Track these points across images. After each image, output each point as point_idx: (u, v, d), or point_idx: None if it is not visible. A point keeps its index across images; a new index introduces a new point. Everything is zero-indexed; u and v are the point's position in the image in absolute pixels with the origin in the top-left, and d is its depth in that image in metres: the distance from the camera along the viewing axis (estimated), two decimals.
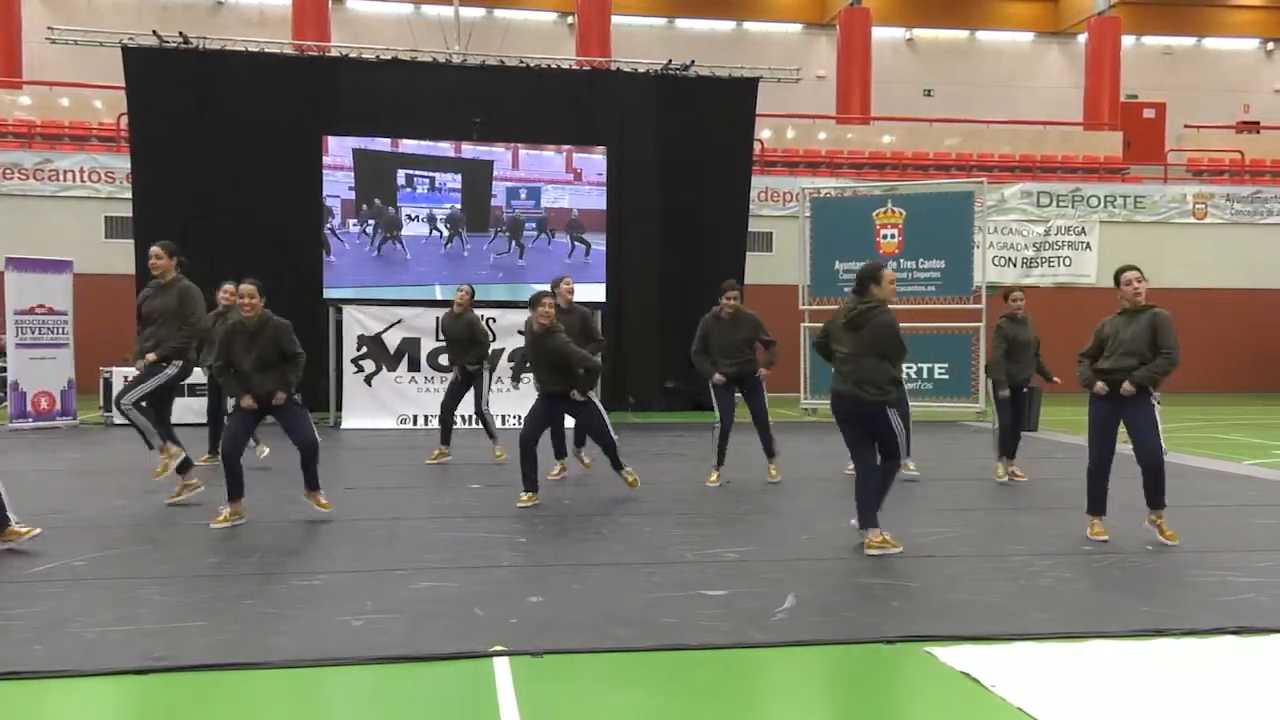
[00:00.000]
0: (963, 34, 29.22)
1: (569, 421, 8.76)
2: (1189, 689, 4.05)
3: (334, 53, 17.72)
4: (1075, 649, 4.51)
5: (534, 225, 15.21)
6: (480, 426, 10.85)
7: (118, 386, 13.90)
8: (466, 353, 10.30)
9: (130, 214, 16.08)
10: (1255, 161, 25.28)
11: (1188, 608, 5.19)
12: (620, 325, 16.39)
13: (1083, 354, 6.88)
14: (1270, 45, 30.00)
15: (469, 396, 10.51)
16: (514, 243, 15.17)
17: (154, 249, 8.24)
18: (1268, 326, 22.43)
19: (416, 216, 14.93)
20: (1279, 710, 3.86)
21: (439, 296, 14.79)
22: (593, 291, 15.11)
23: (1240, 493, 8.85)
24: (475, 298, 10.99)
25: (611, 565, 6.01)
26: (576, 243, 15.26)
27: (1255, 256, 22.78)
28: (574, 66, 18.45)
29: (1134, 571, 5.92)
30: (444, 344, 11.30)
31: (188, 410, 13.97)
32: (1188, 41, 29.75)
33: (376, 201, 14.74)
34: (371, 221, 14.71)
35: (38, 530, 6.41)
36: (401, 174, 14.89)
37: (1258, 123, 27.71)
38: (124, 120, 17.66)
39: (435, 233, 14.96)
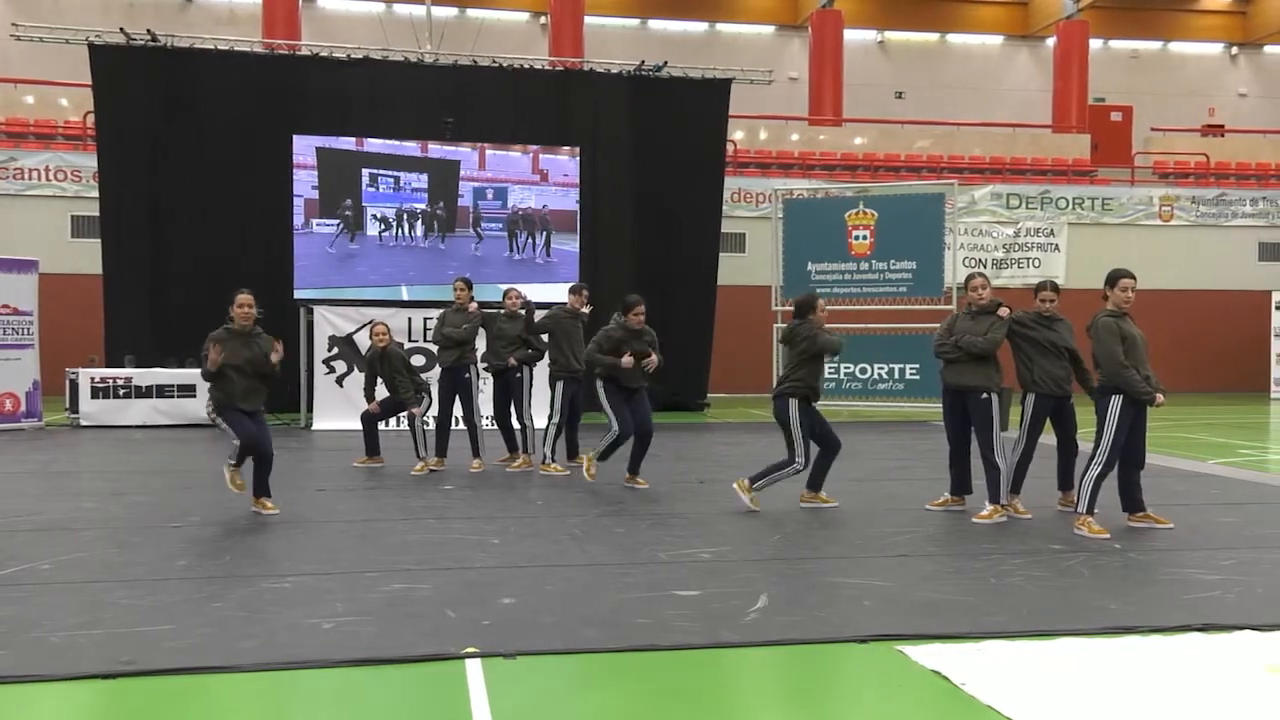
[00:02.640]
0: (933, 36, 29.43)
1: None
2: (1157, 686, 4.10)
3: (304, 51, 17.60)
4: (1044, 647, 4.55)
5: (500, 225, 15.23)
6: (497, 429, 10.37)
7: (84, 387, 13.77)
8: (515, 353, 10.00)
9: (97, 213, 15.91)
10: (1220, 164, 25.63)
11: (1155, 605, 5.25)
12: (594, 326, 16.42)
13: (1126, 364, 6.81)
14: (1235, 50, 30.41)
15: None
16: (513, 241, 15.19)
17: None
18: (1232, 327, 22.75)
19: (381, 216, 14.89)
20: (1244, 706, 3.91)
21: (405, 297, 14.75)
22: (560, 292, 15.15)
23: (1204, 491, 8.96)
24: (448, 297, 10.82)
25: (584, 566, 6.00)
26: (531, 239, 15.27)
27: (1220, 258, 23.10)
28: (547, 67, 18.43)
29: (1102, 570, 5.99)
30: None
31: (154, 411, 13.87)
32: (1154, 45, 30.10)
33: (348, 202, 14.69)
34: (339, 222, 14.69)
35: None
36: (366, 173, 14.84)
37: (1222, 126, 28.10)
38: (90, 119, 17.47)
39: (403, 232, 14.92)
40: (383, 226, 14.90)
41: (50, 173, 19.32)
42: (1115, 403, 6.87)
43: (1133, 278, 6.97)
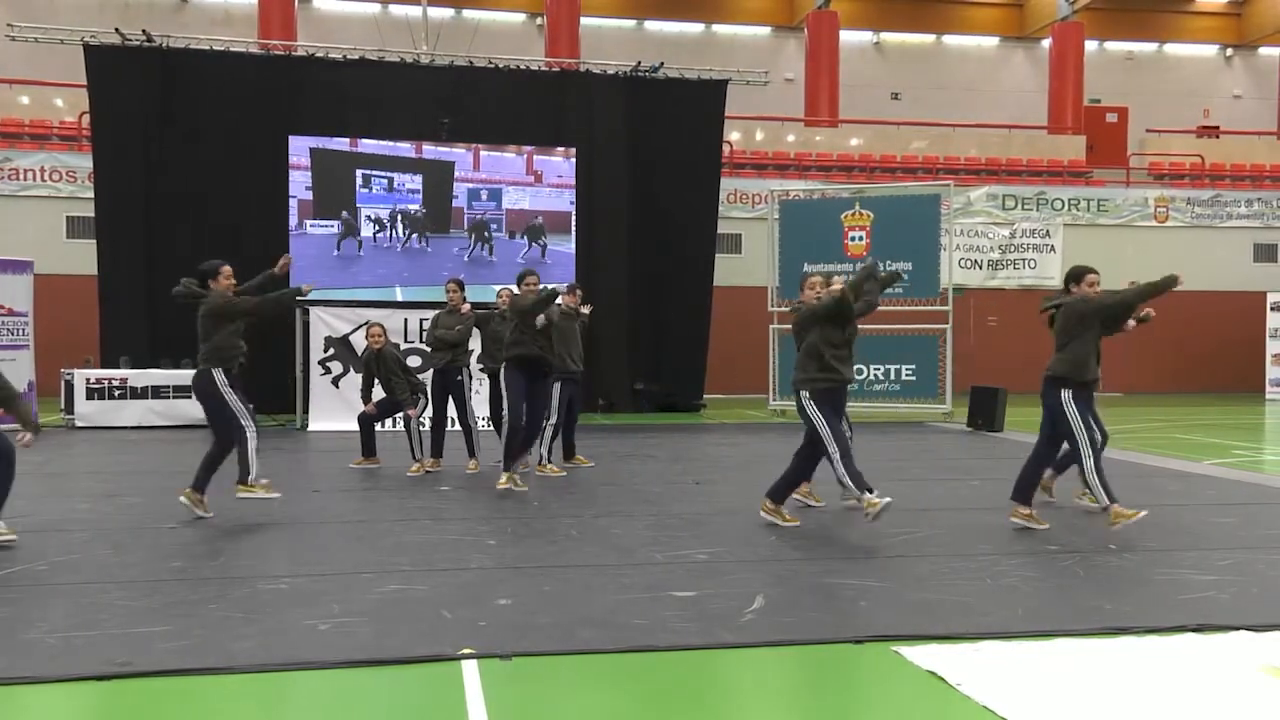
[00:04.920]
0: (929, 38, 29.47)
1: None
2: (1152, 686, 4.10)
3: (300, 52, 17.59)
4: (1040, 647, 4.56)
5: (495, 227, 15.26)
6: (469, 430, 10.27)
7: (79, 389, 13.75)
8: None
9: (92, 214, 15.89)
10: (1215, 165, 25.70)
11: (1150, 606, 5.26)
12: (590, 327, 16.49)
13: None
14: (1230, 51, 30.49)
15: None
16: (482, 244, 15.18)
17: None
18: (1228, 328, 22.79)
19: (375, 217, 14.90)
20: (1239, 706, 3.92)
21: (399, 298, 14.75)
22: None
23: (1199, 492, 8.97)
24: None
25: (581, 567, 6.00)
26: (533, 244, 15.30)
27: (1215, 259, 23.14)
28: (543, 68, 18.44)
29: (1097, 570, 6.00)
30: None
31: (150, 412, 13.85)
32: (1149, 47, 30.17)
33: (345, 215, 14.73)
34: (338, 223, 14.71)
35: (14, 536, 6.36)
36: (360, 174, 14.85)
37: (1217, 127, 28.16)
38: (85, 119, 17.44)
39: (395, 233, 14.94)
40: (376, 228, 14.90)
41: (45, 173, 19.29)
42: (1065, 395, 6.88)
43: (1095, 273, 6.99)
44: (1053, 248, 22.92)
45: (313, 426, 13.85)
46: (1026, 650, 4.52)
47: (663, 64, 17.32)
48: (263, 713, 3.97)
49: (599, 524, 7.32)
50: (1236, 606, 5.22)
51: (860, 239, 16.28)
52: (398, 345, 11.25)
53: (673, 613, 5.03)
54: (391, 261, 14.96)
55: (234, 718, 3.89)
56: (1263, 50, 30.30)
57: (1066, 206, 23.19)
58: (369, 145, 15.00)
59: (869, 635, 4.68)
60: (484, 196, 15.24)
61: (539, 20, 26.44)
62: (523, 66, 17.49)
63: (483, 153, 15.35)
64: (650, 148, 16.91)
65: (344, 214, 14.75)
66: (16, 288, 13.63)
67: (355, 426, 10.47)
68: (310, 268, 14.63)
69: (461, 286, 10.17)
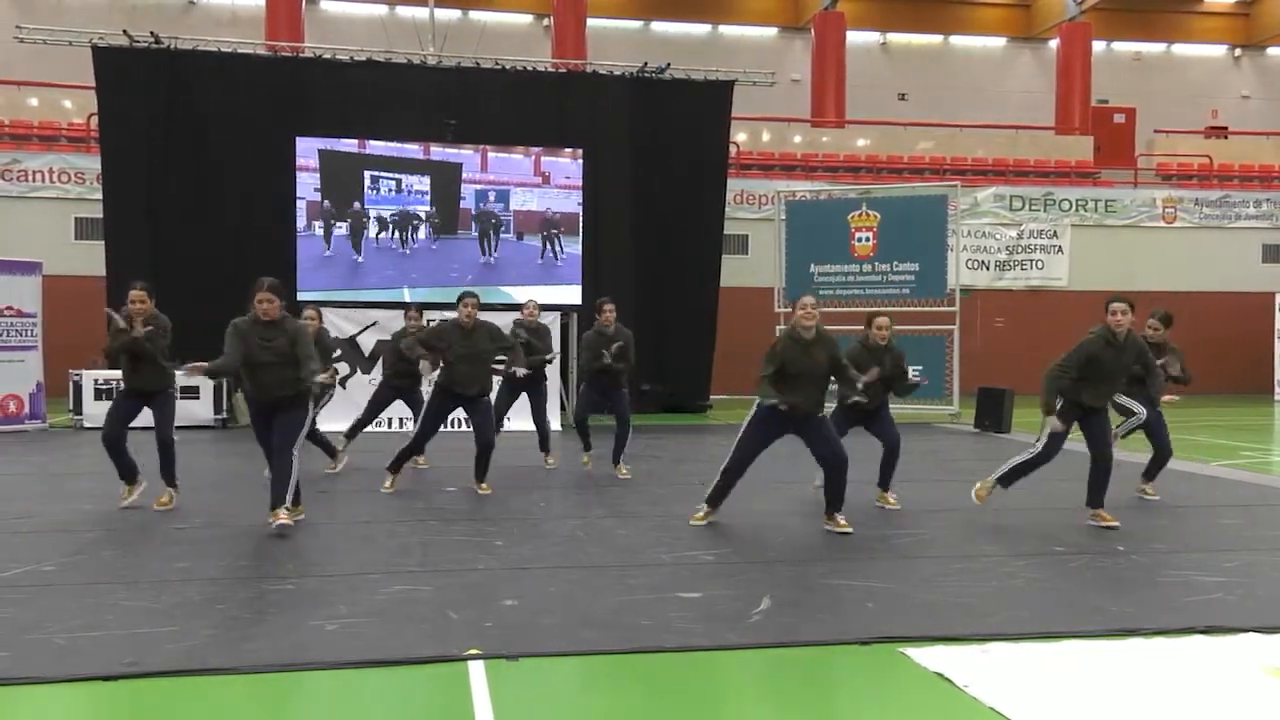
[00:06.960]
0: (936, 39, 29.42)
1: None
2: (1160, 688, 4.09)
3: (307, 53, 17.61)
4: (1048, 649, 4.55)
5: (505, 227, 15.24)
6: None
7: (87, 390, 13.76)
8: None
9: (100, 215, 15.93)
10: (1223, 166, 25.62)
11: (1158, 608, 5.24)
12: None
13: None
14: (1238, 52, 30.40)
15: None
16: (484, 243, 15.17)
17: None
18: (1236, 329, 22.71)
19: (382, 219, 14.91)
20: (1246, 709, 3.91)
21: (407, 299, 14.75)
22: (567, 294, 15.14)
23: (1207, 494, 8.95)
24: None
25: (587, 568, 6.00)
26: (549, 244, 15.30)
27: (1223, 260, 23.07)
28: (549, 69, 18.44)
29: (1105, 572, 5.98)
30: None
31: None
32: (1157, 47, 30.09)
33: (356, 205, 14.72)
34: (346, 223, 14.69)
35: None
36: (368, 175, 14.86)
37: (1225, 128, 28.07)
38: (94, 120, 17.49)
39: (400, 235, 14.95)
40: (379, 228, 14.90)
41: (54, 175, 19.35)
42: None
43: (1124, 302, 7.04)
44: (1060, 249, 22.87)
45: (319, 427, 13.83)
46: (1034, 652, 4.51)
47: (669, 65, 17.31)
48: (269, 713, 3.98)
49: (604, 525, 7.32)
50: (1244, 608, 5.21)
51: (867, 240, 16.26)
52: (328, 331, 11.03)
53: (679, 614, 5.02)
54: (400, 263, 14.97)
55: (240, 718, 3.90)
56: (1271, 50, 30.20)
57: (1074, 207, 23.14)
58: (376, 147, 15.01)
59: (876, 636, 4.67)
60: (491, 198, 15.25)
61: (545, 21, 26.46)
62: (529, 67, 17.48)
63: (490, 154, 15.36)
64: (656, 148, 16.90)
65: (355, 205, 14.72)
66: (25, 289, 13.67)
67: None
68: (319, 269, 14.66)
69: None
